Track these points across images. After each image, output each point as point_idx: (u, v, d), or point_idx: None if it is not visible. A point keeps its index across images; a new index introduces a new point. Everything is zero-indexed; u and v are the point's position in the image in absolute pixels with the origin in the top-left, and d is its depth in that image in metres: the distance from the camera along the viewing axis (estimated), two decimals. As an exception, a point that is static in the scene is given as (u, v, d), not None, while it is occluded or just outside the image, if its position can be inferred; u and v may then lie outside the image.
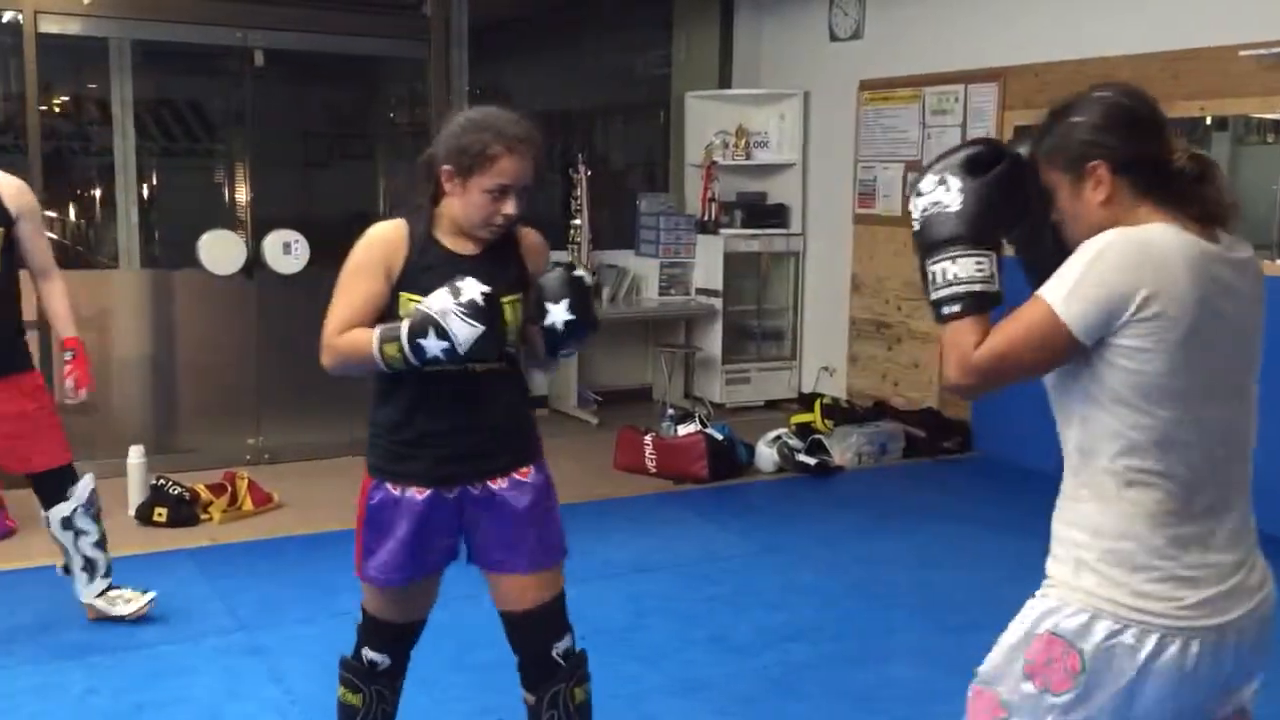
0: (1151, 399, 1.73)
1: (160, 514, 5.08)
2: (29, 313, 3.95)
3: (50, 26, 5.71)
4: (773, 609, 4.27)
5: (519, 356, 2.61)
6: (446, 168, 2.42)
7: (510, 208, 2.42)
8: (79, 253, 6.73)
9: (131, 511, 5.14)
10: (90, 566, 3.95)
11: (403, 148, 7.74)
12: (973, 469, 6.34)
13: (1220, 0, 5.30)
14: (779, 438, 6.19)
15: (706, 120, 7.83)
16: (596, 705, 2.67)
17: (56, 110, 6.46)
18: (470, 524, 2.54)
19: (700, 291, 7.75)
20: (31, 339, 3.92)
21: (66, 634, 3.94)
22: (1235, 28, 5.17)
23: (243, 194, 6.65)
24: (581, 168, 7.31)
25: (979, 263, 1.78)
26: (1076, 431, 1.82)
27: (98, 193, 6.67)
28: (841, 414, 6.70)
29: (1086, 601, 1.77)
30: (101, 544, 3.96)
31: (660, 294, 7.70)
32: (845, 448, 6.29)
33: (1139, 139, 1.81)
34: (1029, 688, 1.80)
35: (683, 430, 6.12)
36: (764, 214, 7.73)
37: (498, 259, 2.49)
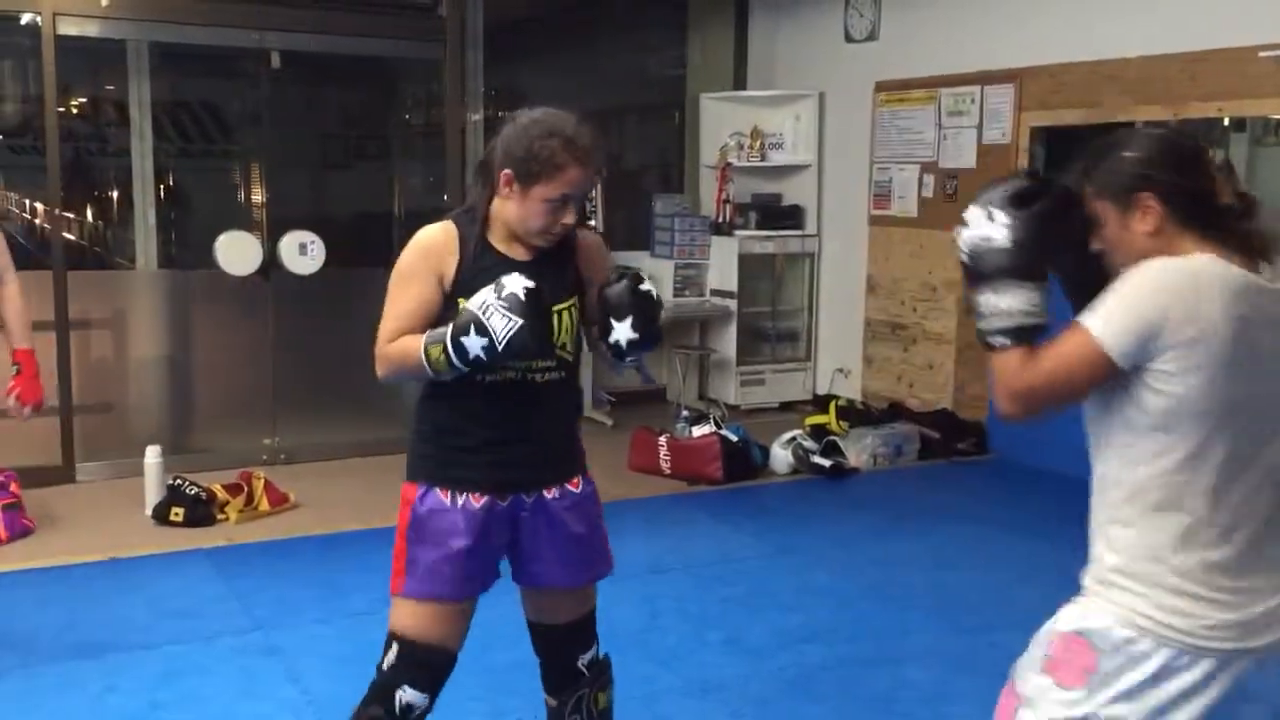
0: (1188, 424, 1.77)
1: (177, 514, 5.10)
2: None
3: (69, 29, 5.73)
4: (787, 610, 4.27)
5: (576, 364, 2.49)
6: (507, 171, 2.30)
7: (570, 217, 2.32)
8: (96, 253, 6.76)
9: (148, 511, 5.17)
10: None
11: (418, 149, 7.77)
12: (988, 470, 6.32)
13: (1237, 1, 5.27)
14: (794, 439, 6.19)
15: (721, 121, 7.83)
16: (611, 706, 2.67)
17: (75, 112, 6.49)
18: (519, 534, 2.45)
19: (715, 293, 7.76)
20: None
21: (85, 633, 3.97)
22: (1253, 28, 5.15)
23: (259, 195, 6.69)
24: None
25: (1025, 295, 1.82)
26: (1112, 455, 1.85)
27: (115, 194, 6.71)
28: (856, 415, 6.69)
29: (1113, 609, 1.82)
30: None
31: (675, 295, 7.68)
32: (860, 449, 6.28)
33: (1187, 174, 1.85)
34: (1043, 680, 1.86)
35: (697, 431, 6.12)
36: (779, 215, 7.73)
37: (553, 263, 2.38)
